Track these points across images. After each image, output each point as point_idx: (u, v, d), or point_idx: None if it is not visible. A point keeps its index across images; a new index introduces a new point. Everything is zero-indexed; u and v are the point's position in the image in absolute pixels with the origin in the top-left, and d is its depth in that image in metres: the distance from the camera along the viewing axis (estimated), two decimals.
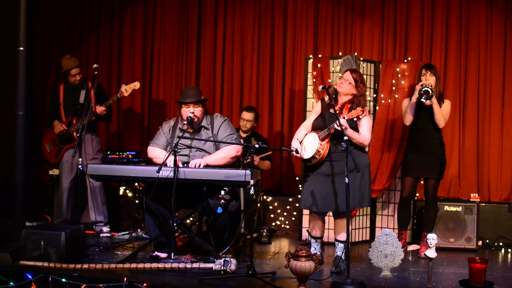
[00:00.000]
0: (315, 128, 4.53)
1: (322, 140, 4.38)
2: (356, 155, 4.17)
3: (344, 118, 4.24)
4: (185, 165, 4.68)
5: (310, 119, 4.66)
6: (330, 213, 4.72)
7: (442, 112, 5.05)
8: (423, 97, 4.95)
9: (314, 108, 4.78)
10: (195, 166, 4.52)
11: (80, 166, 5.25)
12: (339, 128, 4.19)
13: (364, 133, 4.44)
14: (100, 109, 5.54)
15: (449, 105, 5.17)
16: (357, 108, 4.30)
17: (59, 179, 5.82)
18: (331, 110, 4.46)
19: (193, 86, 6.24)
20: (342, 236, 4.49)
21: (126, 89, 5.58)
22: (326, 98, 4.63)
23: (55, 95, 5.88)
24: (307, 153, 4.42)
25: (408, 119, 5.16)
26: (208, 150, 4.75)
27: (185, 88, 4.98)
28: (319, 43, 6.55)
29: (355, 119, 4.29)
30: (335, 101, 4.52)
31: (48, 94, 7.03)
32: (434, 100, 4.99)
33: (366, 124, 4.46)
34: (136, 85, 5.60)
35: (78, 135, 5.23)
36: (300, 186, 5.77)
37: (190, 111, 4.71)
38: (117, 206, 6.35)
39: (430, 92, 4.94)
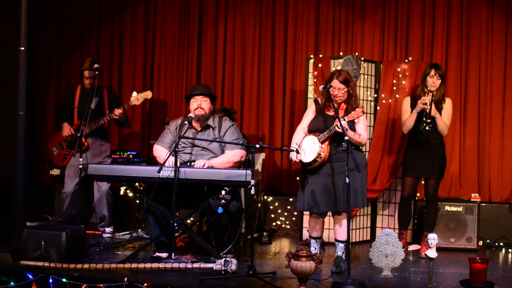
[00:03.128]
0: (312, 130, 4.52)
1: (322, 143, 4.38)
2: (355, 155, 4.18)
3: (344, 119, 4.24)
4: (187, 163, 4.69)
5: (305, 122, 4.64)
6: (329, 213, 4.72)
7: (444, 122, 5.04)
8: (426, 127, 4.91)
9: (307, 110, 4.76)
10: (200, 166, 4.52)
11: (80, 167, 5.27)
12: (340, 130, 4.19)
13: (363, 134, 4.46)
14: (117, 111, 5.52)
15: (450, 105, 5.16)
16: (357, 109, 4.30)
17: (64, 182, 5.78)
18: (327, 112, 4.47)
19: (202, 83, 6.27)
20: (342, 236, 4.49)
21: (138, 98, 5.54)
22: (320, 99, 4.63)
23: (70, 96, 5.86)
24: (307, 157, 4.40)
25: (407, 129, 5.15)
26: (213, 150, 4.75)
27: (195, 84, 5.03)
28: (320, 43, 6.55)
29: (355, 120, 4.30)
30: (328, 105, 4.53)
31: (49, 93, 7.07)
32: (437, 114, 4.99)
33: (363, 124, 4.49)
34: (148, 94, 5.57)
35: (82, 137, 5.25)
36: None
37: (197, 103, 4.73)
38: (118, 206, 6.35)
39: (431, 123, 4.91)
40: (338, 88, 4.44)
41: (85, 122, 5.29)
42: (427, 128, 4.90)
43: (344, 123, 4.21)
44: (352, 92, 4.49)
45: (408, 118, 5.11)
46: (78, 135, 5.28)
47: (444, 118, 5.09)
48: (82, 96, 5.79)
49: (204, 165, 4.54)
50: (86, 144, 5.61)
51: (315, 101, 4.70)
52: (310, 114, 4.66)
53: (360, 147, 4.58)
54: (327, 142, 4.39)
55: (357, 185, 4.38)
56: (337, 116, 4.22)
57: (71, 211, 5.69)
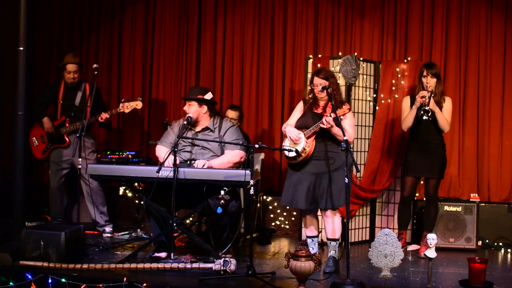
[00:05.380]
0: (299, 127, 4.55)
1: (308, 138, 4.41)
2: (341, 154, 4.20)
3: (331, 115, 4.26)
4: (187, 161, 4.71)
5: (293, 119, 4.67)
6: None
7: (445, 117, 5.05)
8: (424, 117, 4.92)
9: (296, 108, 4.78)
10: (200, 166, 4.54)
11: (79, 166, 5.28)
12: (324, 126, 4.25)
13: (349, 131, 4.46)
14: (104, 115, 5.55)
15: (450, 103, 5.16)
16: (344, 106, 4.32)
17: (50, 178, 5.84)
18: (315, 110, 4.52)
19: (200, 86, 6.27)
20: (331, 234, 4.51)
21: (127, 106, 5.56)
22: (308, 98, 4.66)
23: (54, 91, 5.85)
24: (292, 152, 4.44)
25: (406, 126, 5.15)
26: (212, 149, 4.78)
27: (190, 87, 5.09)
28: (319, 43, 6.55)
29: (341, 116, 4.30)
30: (315, 103, 4.55)
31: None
32: (436, 109, 4.99)
33: (349, 121, 4.51)
34: (138, 104, 5.58)
35: (77, 135, 5.26)
36: None
37: (185, 108, 4.83)
38: (117, 206, 6.35)
39: (430, 111, 4.91)
40: (316, 85, 4.49)
41: (69, 119, 5.45)
42: (424, 117, 4.90)
43: (329, 119, 4.24)
44: (335, 88, 4.48)
45: (408, 114, 5.11)
46: (78, 135, 5.27)
47: (445, 115, 5.09)
48: (66, 91, 5.80)
49: (204, 166, 4.55)
50: (68, 141, 5.64)
51: (304, 100, 4.73)
52: (297, 112, 4.71)
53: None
54: (312, 138, 4.43)
55: (342, 184, 4.36)
56: (334, 110, 4.23)
57: (60, 207, 5.73)
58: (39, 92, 6.16)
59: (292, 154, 4.42)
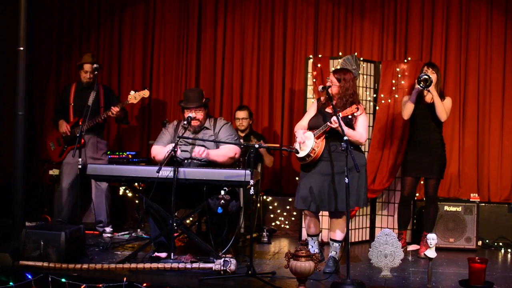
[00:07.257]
0: (311, 127, 4.53)
1: (317, 138, 4.39)
2: (354, 155, 4.18)
3: (338, 115, 4.23)
4: (185, 161, 4.72)
5: (306, 119, 4.65)
6: (325, 212, 4.71)
7: (443, 106, 5.03)
8: (421, 84, 4.93)
9: (310, 108, 4.78)
10: (199, 153, 4.60)
11: (80, 166, 5.27)
12: (332, 125, 4.21)
13: (359, 131, 4.42)
14: (114, 109, 5.55)
15: (450, 102, 5.15)
16: (352, 106, 4.29)
17: (59, 179, 5.82)
18: (327, 110, 4.45)
19: (195, 88, 6.25)
20: (338, 236, 4.50)
21: (135, 96, 5.56)
22: (322, 98, 4.64)
23: (65, 94, 5.88)
24: (302, 152, 4.42)
25: (408, 107, 5.10)
26: (208, 146, 4.80)
27: (187, 90, 5.03)
28: (319, 43, 6.55)
29: (350, 116, 4.28)
30: (329, 103, 4.52)
31: (48, 94, 7.08)
32: (434, 92, 4.98)
33: (362, 122, 4.44)
34: (146, 93, 5.60)
35: (78, 135, 5.24)
36: None
37: (192, 115, 4.78)
38: (117, 206, 6.35)
39: (429, 79, 4.92)
40: (330, 81, 4.47)
41: (82, 118, 5.33)
42: (420, 85, 4.90)
43: (336, 118, 4.19)
44: (340, 91, 4.44)
45: (409, 99, 5.10)
46: (78, 134, 5.27)
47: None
48: (77, 93, 5.80)
49: (203, 152, 4.60)
50: (83, 141, 5.62)
51: (318, 99, 4.71)
52: (311, 112, 4.67)
53: (360, 147, 4.57)
54: (322, 138, 4.39)
55: (354, 185, 4.35)
56: (334, 111, 4.22)
57: (69, 208, 5.69)
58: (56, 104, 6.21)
59: (300, 155, 4.42)
